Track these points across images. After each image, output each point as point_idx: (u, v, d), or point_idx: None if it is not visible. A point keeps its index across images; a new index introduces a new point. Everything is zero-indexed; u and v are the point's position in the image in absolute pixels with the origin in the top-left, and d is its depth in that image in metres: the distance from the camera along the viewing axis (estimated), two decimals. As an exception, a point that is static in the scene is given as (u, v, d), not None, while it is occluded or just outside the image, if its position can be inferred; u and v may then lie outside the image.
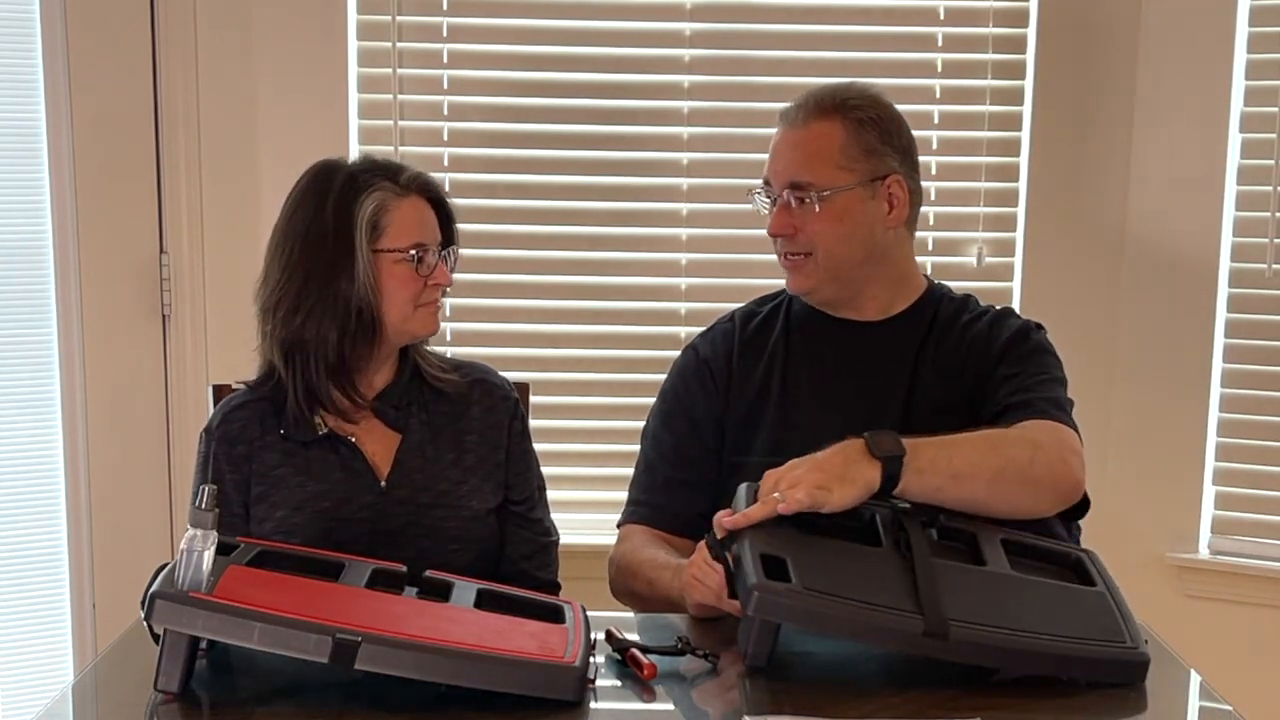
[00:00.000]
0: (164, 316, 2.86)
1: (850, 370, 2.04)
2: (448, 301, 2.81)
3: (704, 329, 2.19)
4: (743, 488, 1.79)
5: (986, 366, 2.00)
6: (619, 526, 2.12)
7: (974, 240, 2.90)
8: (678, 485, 2.07)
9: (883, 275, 2.05)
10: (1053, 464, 1.85)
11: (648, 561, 1.97)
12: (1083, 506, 1.92)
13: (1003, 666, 1.60)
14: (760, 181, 2.06)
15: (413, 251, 1.94)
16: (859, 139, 1.99)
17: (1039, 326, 2.08)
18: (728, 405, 2.08)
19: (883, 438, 1.73)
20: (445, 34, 2.86)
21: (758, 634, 1.60)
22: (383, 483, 1.97)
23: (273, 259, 1.97)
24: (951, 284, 2.18)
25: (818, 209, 1.98)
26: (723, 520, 1.72)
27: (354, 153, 2.72)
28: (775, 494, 1.68)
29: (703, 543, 1.79)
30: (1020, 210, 2.91)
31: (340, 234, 1.92)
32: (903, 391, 2.01)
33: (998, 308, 2.12)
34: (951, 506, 1.79)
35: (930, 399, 2.00)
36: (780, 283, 2.18)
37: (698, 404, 2.10)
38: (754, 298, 2.20)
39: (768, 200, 2.04)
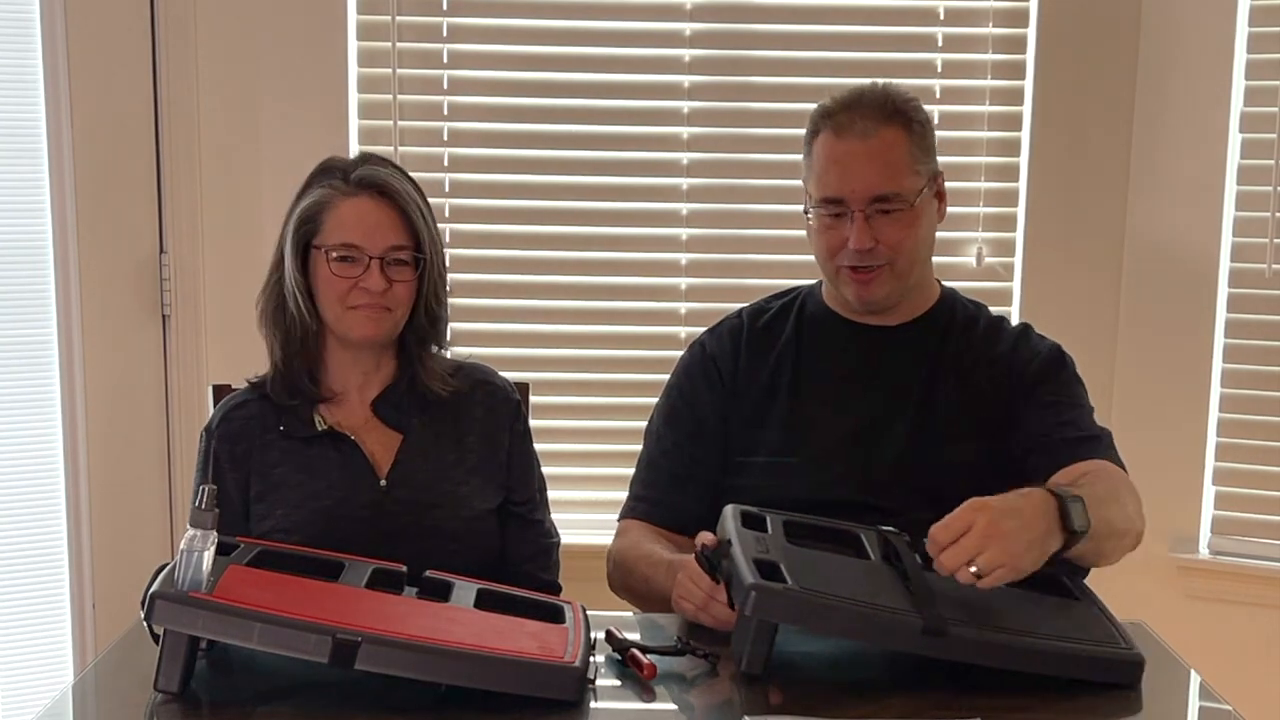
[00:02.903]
0: (164, 316, 2.86)
1: (865, 373, 2.04)
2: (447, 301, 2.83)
3: (712, 325, 2.18)
4: (727, 509, 1.78)
5: (1020, 386, 1.99)
6: (619, 521, 2.12)
7: (974, 240, 2.90)
8: (679, 482, 2.07)
9: (924, 276, 2.06)
10: (1140, 530, 1.90)
11: (644, 557, 1.97)
12: None
13: (1001, 666, 1.59)
14: (806, 199, 2.02)
15: (334, 251, 1.92)
16: (921, 142, 1.99)
17: (1067, 356, 2.07)
18: (733, 403, 2.07)
19: (1078, 508, 1.67)
20: (445, 34, 2.86)
21: (755, 636, 1.60)
22: (382, 482, 1.97)
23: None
24: (951, 284, 2.18)
25: (902, 218, 1.96)
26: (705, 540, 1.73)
27: (354, 153, 2.72)
28: (974, 569, 1.58)
29: (690, 558, 1.78)
30: (1020, 210, 2.91)
31: (285, 229, 1.96)
32: (919, 395, 2.01)
33: (1014, 322, 2.12)
34: (1093, 559, 1.83)
35: (947, 405, 2.00)
36: (788, 281, 2.18)
37: (702, 401, 2.09)
38: (754, 298, 2.20)
39: (827, 217, 1.98)
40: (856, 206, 1.95)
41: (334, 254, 1.92)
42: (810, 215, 2.02)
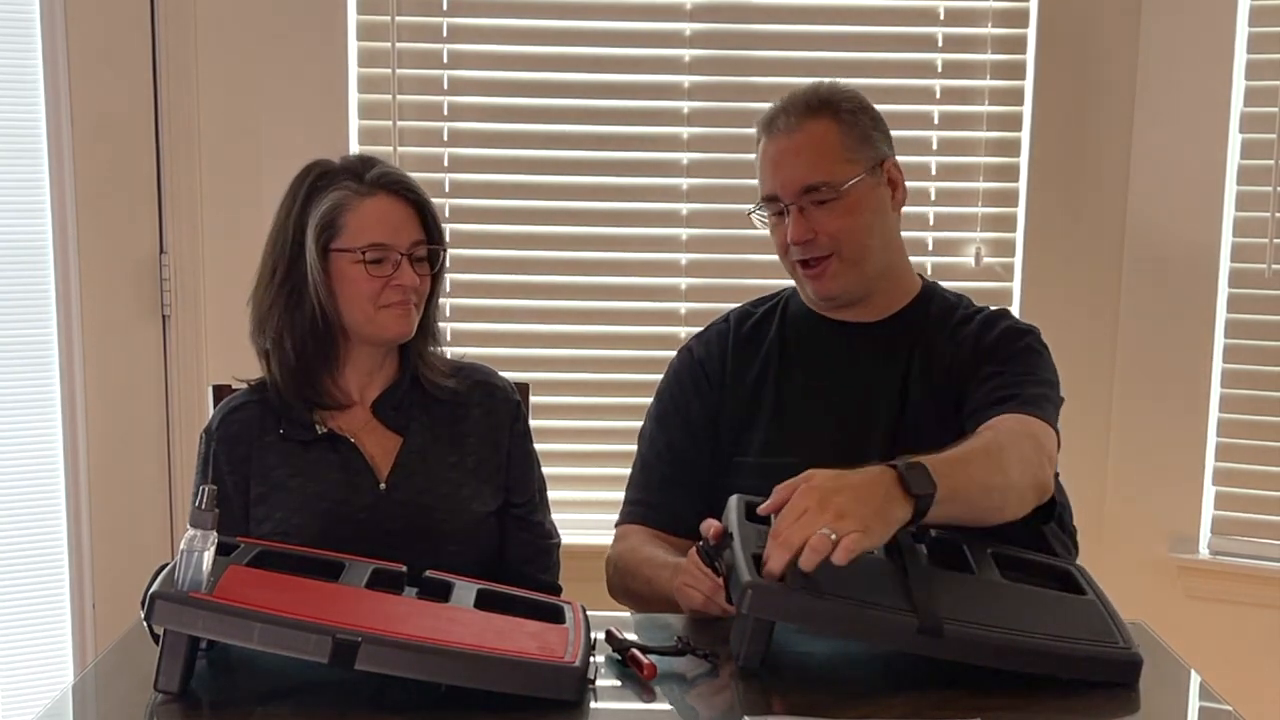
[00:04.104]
0: (164, 316, 2.86)
1: (846, 371, 2.04)
2: (447, 302, 2.83)
3: (699, 331, 2.19)
4: (733, 499, 1.78)
5: (973, 365, 1.99)
6: (616, 527, 2.12)
7: (973, 240, 2.90)
8: (674, 485, 2.07)
9: (890, 268, 2.06)
10: (1037, 478, 1.81)
11: (646, 561, 1.98)
12: (1049, 507, 1.88)
13: (997, 665, 1.59)
14: (756, 201, 2.05)
15: (366, 252, 1.92)
16: (854, 129, 2.00)
17: (1032, 329, 2.06)
18: (722, 405, 2.08)
19: (917, 473, 1.63)
20: (445, 34, 2.86)
21: (751, 633, 1.60)
22: (382, 484, 1.97)
23: (261, 260, 2.00)
24: (951, 284, 2.18)
25: (836, 207, 1.97)
26: (709, 529, 1.72)
27: (353, 153, 2.71)
28: (827, 531, 1.52)
29: (693, 549, 1.79)
30: (1020, 210, 2.91)
31: (297, 234, 1.94)
32: (895, 392, 2.01)
33: (992, 309, 2.11)
34: (949, 523, 1.76)
35: (923, 398, 2.00)
36: (780, 283, 2.18)
37: (692, 405, 2.10)
38: (754, 297, 2.20)
39: (772, 216, 2.03)
40: (788, 199, 1.99)
41: (367, 255, 1.91)
42: (756, 218, 2.06)
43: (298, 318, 1.94)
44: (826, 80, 2.07)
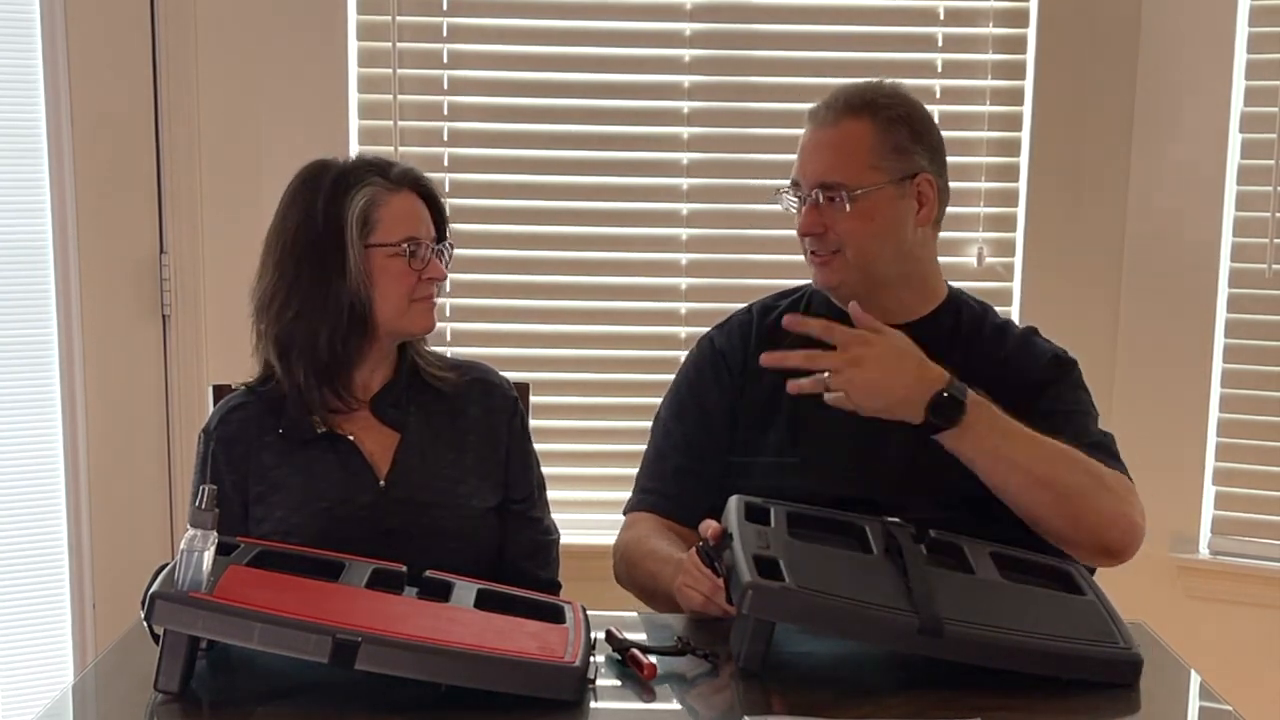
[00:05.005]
0: (164, 316, 2.86)
1: None
2: (447, 302, 2.84)
3: (720, 321, 2.18)
4: (732, 500, 1.79)
5: (1023, 392, 1.96)
6: (625, 513, 2.11)
7: (974, 240, 2.90)
8: (687, 475, 2.06)
9: (909, 275, 2.04)
10: (1118, 513, 1.90)
11: (650, 554, 1.98)
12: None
13: (997, 665, 1.60)
14: (788, 182, 2.03)
15: (405, 245, 1.93)
16: (889, 137, 1.98)
17: (1074, 360, 2.06)
18: (741, 398, 2.07)
19: (959, 390, 1.83)
20: (445, 34, 2.86)
21: (752, 634, 1.60)
22: (381, 482, 1.97)
23: (266, 258, 1.98)
24: (952, 284, 2.17)
25: (848, 208, 1.96)
26: (708, 530, 1.74)
27: (354, 153, 2.71)
28: (829, 388, 1.81)
29: (693, 549, 1.79)
30: (1020, 210, 2.91)
31: (331, 230, 1.93)
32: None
33: (1020, 325, 2.12)
34: (998, 489, 1.84)
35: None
36: (788, 281, 2.18)
37: (711, 395, 2.09)
38: (754, 297, 2.20)
39: (795, 200, 2.02)
40: (806, 190, 1.99)
41: (406, 248, 1.93)
42: (785, 197, 2.05)
43: (331, 315, 1.93)
44: (888, 81, 2.05)
